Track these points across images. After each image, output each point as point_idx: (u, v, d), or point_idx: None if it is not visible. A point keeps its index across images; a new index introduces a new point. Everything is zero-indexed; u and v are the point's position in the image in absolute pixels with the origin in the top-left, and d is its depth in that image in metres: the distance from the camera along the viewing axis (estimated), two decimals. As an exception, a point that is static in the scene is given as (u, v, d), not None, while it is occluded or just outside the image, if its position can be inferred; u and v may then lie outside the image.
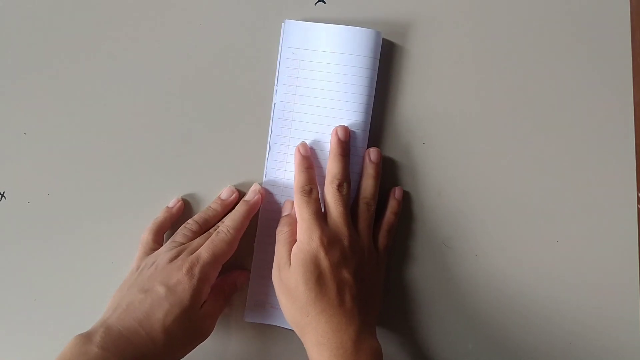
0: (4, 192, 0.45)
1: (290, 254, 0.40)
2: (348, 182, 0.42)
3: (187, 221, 0.43)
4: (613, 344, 0.44)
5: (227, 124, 0.45)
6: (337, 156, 0.42)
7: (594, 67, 0.45)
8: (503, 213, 0.45)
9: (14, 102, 0.46)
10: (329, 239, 0.39)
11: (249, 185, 0.44)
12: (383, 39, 0.45)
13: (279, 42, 0.45)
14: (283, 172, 0.44)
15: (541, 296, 0.44)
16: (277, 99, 0.44)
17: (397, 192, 0.44)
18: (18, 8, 0.47)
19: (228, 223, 0.41)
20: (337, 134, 0.42)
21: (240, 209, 0.42)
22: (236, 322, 0.44)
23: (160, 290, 0.37)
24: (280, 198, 0.44)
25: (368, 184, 0.43)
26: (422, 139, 0.45)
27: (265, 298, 0.44)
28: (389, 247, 0.43)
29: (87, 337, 0.35)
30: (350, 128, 0.44)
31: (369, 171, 0.43)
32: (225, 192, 0.44)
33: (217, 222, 0.42)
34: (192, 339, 0.39)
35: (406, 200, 0.45)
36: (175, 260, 0.39)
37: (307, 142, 0.44)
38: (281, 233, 0.41)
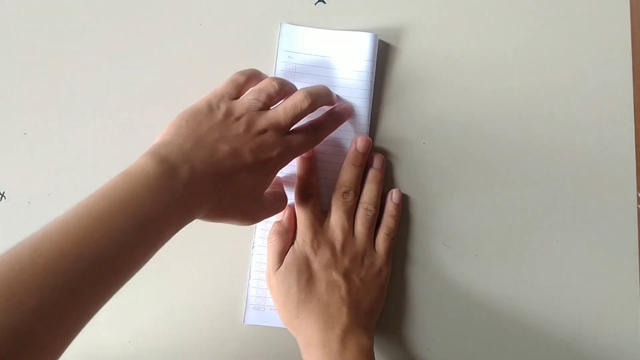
0: (4, 192, 0.45)
1: (280, 258, 0.41)
2: (355, 191, 0.43)
3: (274, 79, 0.40)
4: (613, 344, 0.44)
5: (227, 124, 0.45)
6: (350, 165, 0.43)
7: (594, 67, 0.45)
8: (503, 213, 0.45)
9: (14, 102, 0.46)
10: (319, 242, 0.41)
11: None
12: (382, 40, 0.45)
13: (277, 43, 0.45)
14: (279, 174, 0.44)
15: (541, 296, 0.44)
16: None
17: (394, 195, 0.44)
18: (18, 8, 0.47)
19: (323, 131, 0.41)
20: (356, 143, 0.43)
21: (335, 116, 0.43)
22: (236, 324, 0.44)
23: (249, 158, 0.36)
24: None
25: (368, 189, 0.43)
26: (422, 140, 0.45)
27: (264, 300, 0.44)
28: (390, 250, 0.43)
29: (172, 169, 0.32)
30: (349, 132, 0.44)
31: (370, 177, 0.44)
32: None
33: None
34: (244, 218, 0.38)
35: (406, 200, 0.45)
36: (267, 135, 0.37)
37: None
38: (270, 240, 0.42)
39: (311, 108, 0.39)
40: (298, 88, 0.44)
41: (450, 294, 0.44)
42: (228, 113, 0.37)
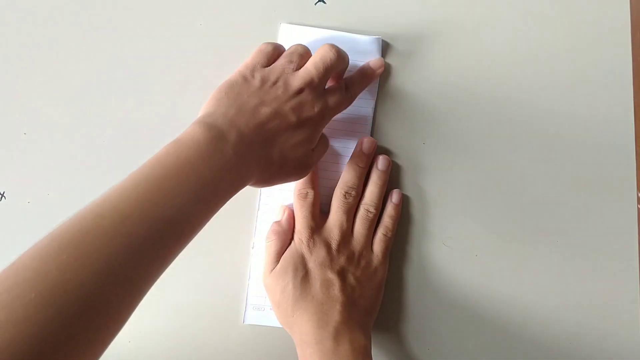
0: (4, 192, 0.45)
1: (277, 258, 0.42)
2: (357, 191, 0.43)
3: (298, 44, 0.41)
4: (613, 344, 0.44)
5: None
6: (355, 165, 0.43)
7: (594, 67, 0.45)
8: (503, 213, 0.45)
9: (14, 102, 0.46)
10: (316, 241, 0.41)
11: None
12: (382, 40, 0.45)
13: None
14: None
15: (541, 296, 0.44)
16: None
17: (394, 196, 0.44)
18: (18, 8, 0.47)
19: (356, 88, 0.42)
20: (362, 145, 0.43)
21: (364, 77, 0.43)
22: (236, 324, 0.44)
23: (292, 117, 0.37)
24: (277, 201, 0.44)
25: (371, 191, 0.43)
26: (422, 139, 0.45)
27: (263, 300, 0.44)
28: (387, 251, 0.43)
29: (220, 133, 0.34)
30: (352, 133, 0.44)
31: (374, 178, 0.44)
32: None
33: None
34: (295, 173, 0.39)
35: (406, 200, 0.45)
36: (305, 94, 0.38)
37: None
38: (269, 240, 0.42)
39: (339, 60, 0.39)
40: None
41: (450, 294, 0.44)
42: (264, 79, 0.38)
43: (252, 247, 0.44)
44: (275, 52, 0.40)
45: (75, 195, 0.45)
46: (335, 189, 0.43)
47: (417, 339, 0.44)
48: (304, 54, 0.40)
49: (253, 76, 0.38)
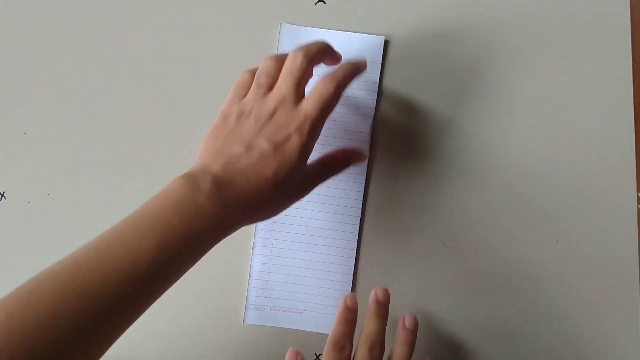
0: (4, 192, 0.45)
1: None
2: (381, 345, 0.38)
3: (267, 58, 0.38)
4: (613, 344, 0.44)
5: (227, 124, 0.45)
6: (375, 315, 0.39)
7: (594, 67, 0.45)
8: (503, 213, 0.45)
9: (14, 102, 0.46)
10: None
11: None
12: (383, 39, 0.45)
13: (277, 43, 0.45)
14: None
15: (541, 296, 0.44)
16: None
17: (407, 321, 0.39)
18: (18, 8, 0.47)
19: (338, 74, 0.37)
20: (376, 294, 0.39)
21: (347, 65, 0.38)
22: (236, 324, 0.44)
23: (267, 146, 0.35)
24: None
25: (398, 351, 0.39)
26: (422, 139, 0.45)
27: (264, 300, 0.44)
28: None
29: (193, 182, 0.33)
30: (352, 133, 0.44)
31: (403, 338, 0.39)
32: None
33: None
34: (290, 197, 0.38)
35: (406, 200, 0.45)
36: (278, 115, 0.35)
37: None
38: None
39: (307, 61, 0.36)
40: None
41: (450, 294, 0.44)
42: (239, 114, 0.36)
43: (252, 247, 0.44)
44: (253, 78, 0.38)
45: (75, 195, 0.45)
46: (359, 341, 0.39)
47: (416, 339, 0.44)
48: (273, 72, 0.37)
49: (231, 113, 0.37)
